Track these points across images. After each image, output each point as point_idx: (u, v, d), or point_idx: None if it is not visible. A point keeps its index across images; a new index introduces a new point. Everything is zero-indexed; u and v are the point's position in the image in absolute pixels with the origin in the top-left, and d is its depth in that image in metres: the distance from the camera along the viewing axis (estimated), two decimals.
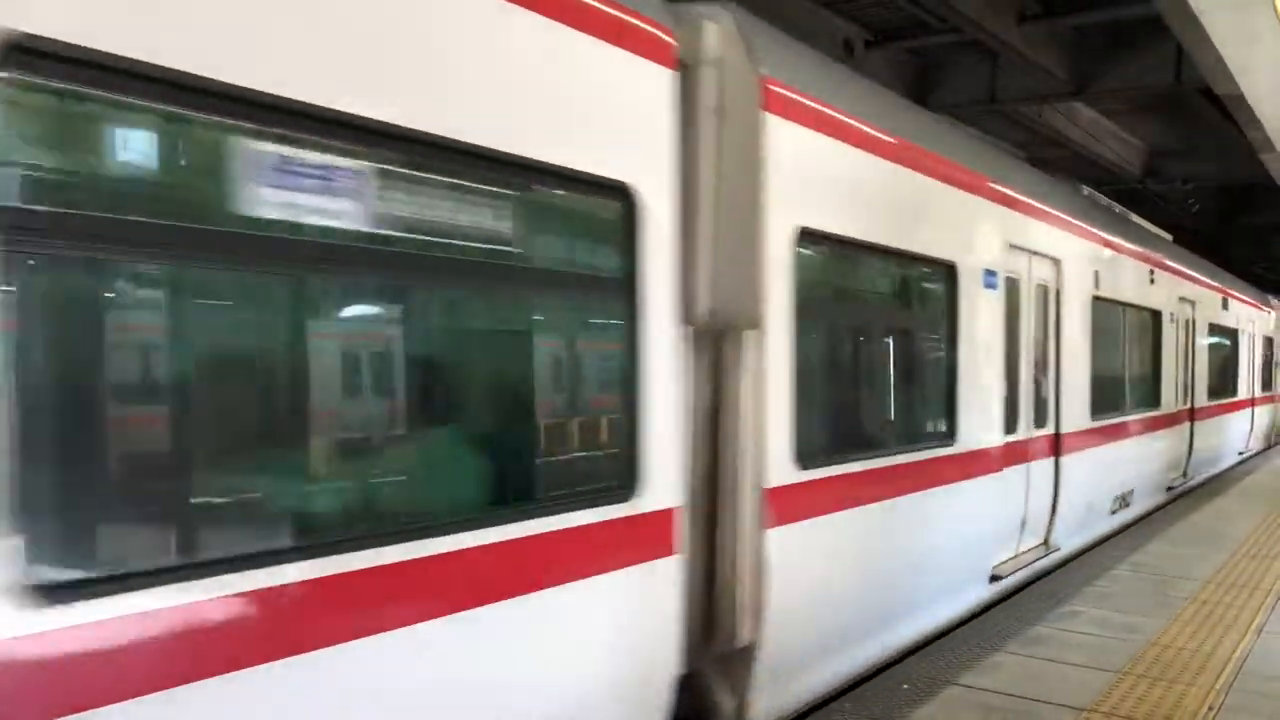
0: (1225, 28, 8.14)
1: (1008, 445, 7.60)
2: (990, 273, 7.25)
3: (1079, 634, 6.53)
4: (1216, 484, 14.83)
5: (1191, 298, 14.10)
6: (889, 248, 5.93)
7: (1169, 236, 14.68)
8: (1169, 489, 13.19)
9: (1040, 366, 8.45)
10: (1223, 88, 9.59)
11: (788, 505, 4.83)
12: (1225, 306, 16.58)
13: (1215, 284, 15.97)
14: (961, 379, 6.81)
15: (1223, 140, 16.55)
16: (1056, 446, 8.66)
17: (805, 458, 4.98)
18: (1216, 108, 13.50)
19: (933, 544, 6.50)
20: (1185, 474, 14.00)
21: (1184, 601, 7.42)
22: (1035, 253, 8.25)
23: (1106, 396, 10.23)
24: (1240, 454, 18.61)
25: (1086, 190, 11.21)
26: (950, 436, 6.72)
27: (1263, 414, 20.84)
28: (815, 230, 5.11)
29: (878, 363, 6.48)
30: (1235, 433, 18.02)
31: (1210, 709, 5.19)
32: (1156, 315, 12.29)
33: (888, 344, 6.52)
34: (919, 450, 6.33)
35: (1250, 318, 19.03)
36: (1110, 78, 13.14)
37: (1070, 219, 9.23)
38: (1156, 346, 12.32)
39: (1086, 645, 6.27)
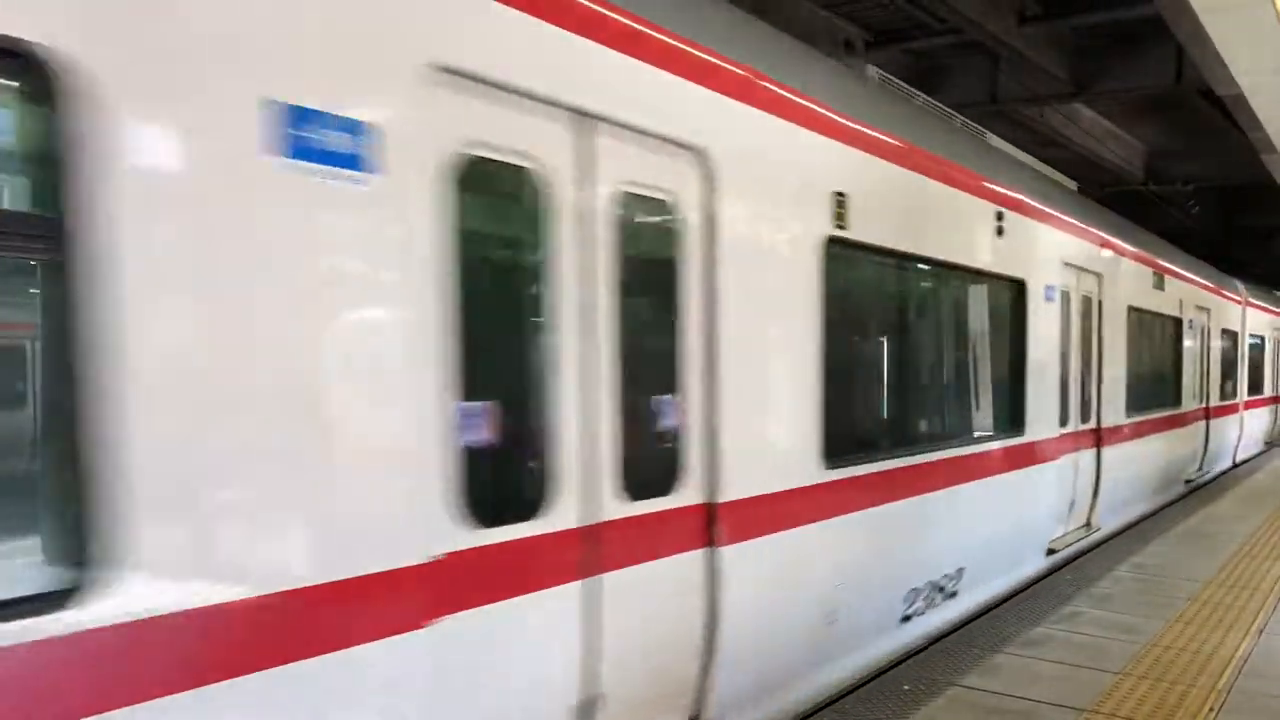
0: (1225, 28, 8.13)
1: (533, 547, 3.60)
2: (345, 131, 2.93)
3: (1080, 635, 6.52)
4: (1216, 485, 14.77)
5: (1095, 268, 9.75)
6: None
7: (1073, 184, 10.64)
8: (1050, 551, 8.85)
9: (663, 372, 4.33)
10: (1223, 88, 9.60)
11: None
12: (1160, 286, 12.28)
13: (1141, 253, 11.57)
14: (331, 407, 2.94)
15: (1223, 141, 16.56)
16: (710, 528, 4.49)
17: None
18: (1217, 108, 13.50)
19: None
20: (1089, 523, 9.90)
21: (1185, 602, 7.42)
22: (636, 130, 4.07)
23: (893, 421, 6.49)
24: (1189, 481, 14.45)
25: (875, 71, 7.12)
26: (312, 567, 2.88)
27: (1223, 428, 16.50)
28: None
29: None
30: (1177, 457, 13.54)
31: (1211, 710, 5.19)
32: (1018, 288, 7.89)
33: None
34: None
35: (1201, 303, 14.48)
36: (1110, 78, 13.15)
37: (754, 81, 4.82)
38: (1018, 339, 7.93)
39: (1087, 646, 6.27)
